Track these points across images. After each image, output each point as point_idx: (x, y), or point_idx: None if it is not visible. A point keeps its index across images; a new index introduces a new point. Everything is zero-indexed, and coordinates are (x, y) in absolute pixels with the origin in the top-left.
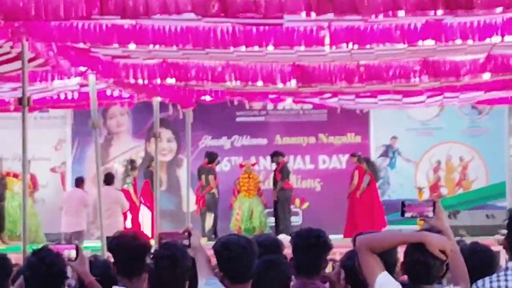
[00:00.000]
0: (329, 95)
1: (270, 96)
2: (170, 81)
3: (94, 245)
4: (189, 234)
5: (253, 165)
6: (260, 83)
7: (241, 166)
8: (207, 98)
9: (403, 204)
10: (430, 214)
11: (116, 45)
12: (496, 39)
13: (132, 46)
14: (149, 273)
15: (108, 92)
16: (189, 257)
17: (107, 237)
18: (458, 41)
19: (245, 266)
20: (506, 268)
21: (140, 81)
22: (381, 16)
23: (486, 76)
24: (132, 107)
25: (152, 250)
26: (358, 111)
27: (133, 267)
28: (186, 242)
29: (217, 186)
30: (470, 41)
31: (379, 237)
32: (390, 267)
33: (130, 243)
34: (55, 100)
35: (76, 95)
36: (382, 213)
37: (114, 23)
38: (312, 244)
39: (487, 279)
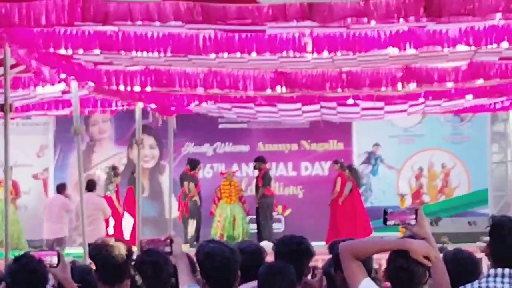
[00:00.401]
0: (313, 107)
1: (251, 104)
2: (152, 88)
3: (76, 252)
4: (171, 241)
5: (234, 172)
6: (242, 90)
7: (222, 174)
8: (193, 105)
9: (385, 212)
10: (413, 222)
11: (98, 52)
12: (478, 46)
13: (114, 53)
14: (131, 280)
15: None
16: (171, 264)
17: (89, 244)
18: (440, 48)
19: (228, 275)
20: (488, 275)
21: (121, 88)
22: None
23: (469, 83)
24: (115, 114)
25: (134, 257)
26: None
27: (115, 274)
28: (168, 249)
29: (199, 193)
30: (452, 48)
31: (362, 243)
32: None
33: (111, 250)
34: (38, 107)
35: (59, 104)
36: (367, 220)
37: (96, 29)
38: (294, 251)
39: (468, 285)
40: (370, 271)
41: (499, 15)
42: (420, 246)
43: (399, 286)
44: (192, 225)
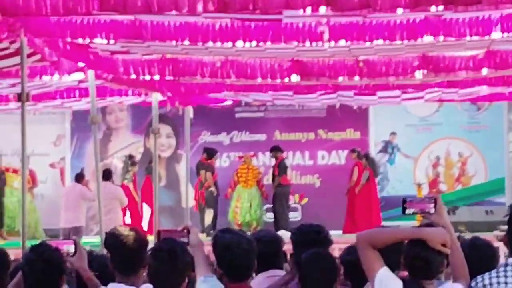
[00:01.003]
0: (329, 92)
1: (267, 94)
2: (169, 77)
3: (93, 241)
4: (188, 232)
5: (252, 156)
6: (259, 78)
7: (240, 158)
8: (211, 95)
9: (404, 201)
10: (432, 211)
11: (114, 41)
12: (495, 34)
13: (130, 42)
14: (148, 267)
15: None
16: (189, 254)
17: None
18: (457, 37)
19: (246, 266)
20: (506, 264)
21: (140, 77)
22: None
23: (485, 72)
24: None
25: (149, 246)
26: (356, 107)
27: (130, 263)
28: (185, 239)
29: (215, 182)
30: (469, 37)
31: (379, 233)
32: (393, 265)
33: (125, 239)
34: (55, 97)
35: (76, 93)
36: (378, 210)
37: (113, 18)
38: (313, 239)
39: (486, 275)
40: (398, 263)
41: None
42: (437, 234)
43: (416, 275)
44: (209, 214)
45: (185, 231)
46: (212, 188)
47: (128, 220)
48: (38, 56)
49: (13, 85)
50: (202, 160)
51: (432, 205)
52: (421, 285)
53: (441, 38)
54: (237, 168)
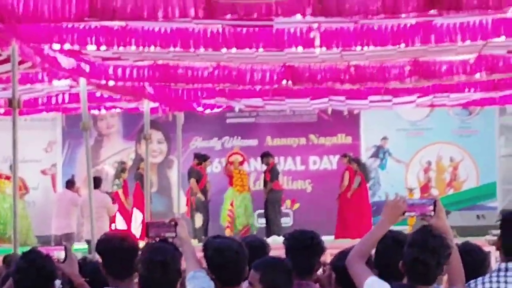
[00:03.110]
0: (322, 100)
1: (259, 99)
2: (160, 83)
3: (84, 247)
4: (176, 224)
5: (241, 163)
6: (250, 84)
7: (230, 163)
8: (199, 108)
9: None
10: (431, 213)
11: (105, 47)
12: (485, 41)
13: (122, 48)
14: (139, 277)
15: (98, 94)
16: (179, 259)
17: (88, 241)
18: (448, 42)
19: (238, 271)
20: (499, 269)
21: (129, 83)
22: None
23: (477, 76)
24: (123, 109)
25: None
26: (347, 112)
27: (123, 268)
28: (172, 234)
29: (202, 189)
30: (460, 42)
31: (361, 245)
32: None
33: (118, 245)
34: (46, 104)
35: (66, 98)
36: (369, 215)
37: (104, 24)
38: (306, 246)
39: (479, 279)
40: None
41: None
42: (391, 206)
43: (416, 280)
44: (198, 219)
45: (173, 223)
46: (199, 195)
47: (119, 226)
48: (29, 63)
49: (4, 89)
50: (193, 166)
51: (432, 207)
52: None
53: (433, 43)
54: (228, 164)
